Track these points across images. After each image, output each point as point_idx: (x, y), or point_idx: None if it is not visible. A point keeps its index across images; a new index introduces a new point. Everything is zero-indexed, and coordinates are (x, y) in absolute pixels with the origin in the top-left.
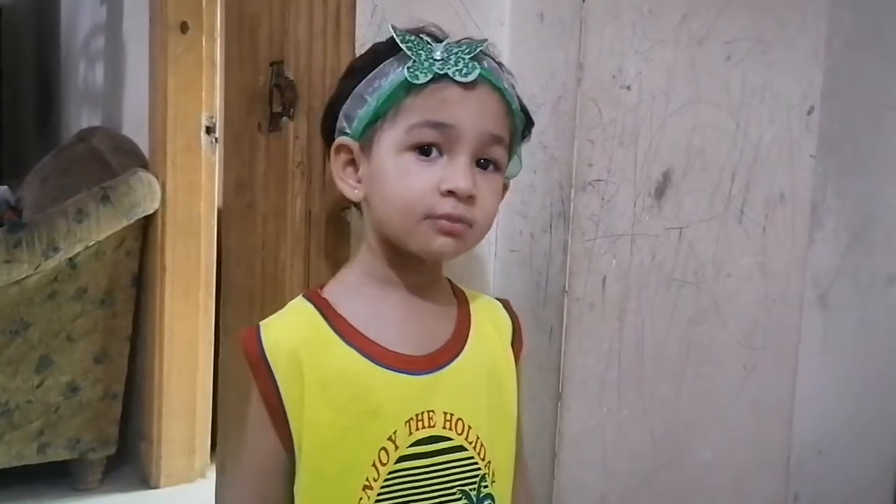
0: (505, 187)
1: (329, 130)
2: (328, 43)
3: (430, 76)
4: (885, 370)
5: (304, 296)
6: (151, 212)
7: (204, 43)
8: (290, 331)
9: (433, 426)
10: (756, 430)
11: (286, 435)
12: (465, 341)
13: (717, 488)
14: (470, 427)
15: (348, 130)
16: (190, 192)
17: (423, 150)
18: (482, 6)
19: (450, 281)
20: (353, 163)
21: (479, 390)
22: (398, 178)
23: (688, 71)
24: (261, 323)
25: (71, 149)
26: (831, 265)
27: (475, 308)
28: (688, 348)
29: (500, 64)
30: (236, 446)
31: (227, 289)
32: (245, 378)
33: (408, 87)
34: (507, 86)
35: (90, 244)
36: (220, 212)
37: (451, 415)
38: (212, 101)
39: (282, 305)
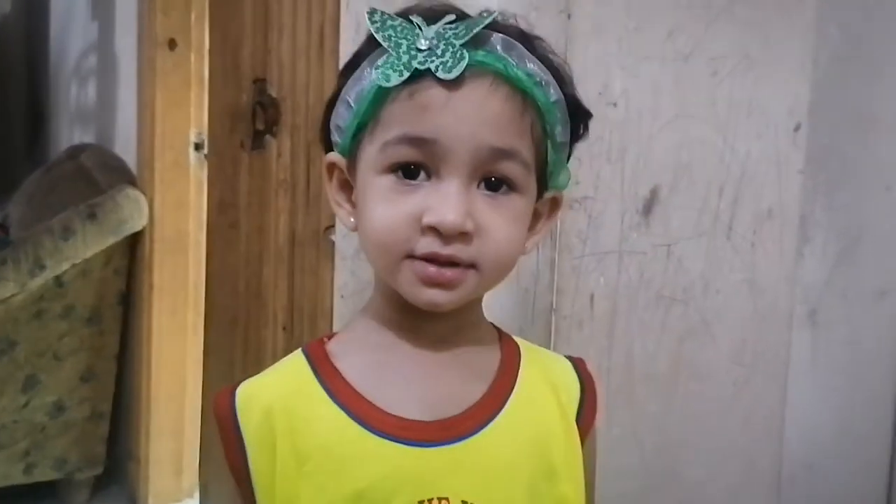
0: (555, 203)
1: (327, 143)
2: (311, 60)
3: (405, 75)
4: (875, 385)
5: (303, 347)
6: (139, 229)
7: (192, 60)
8: (269, 386)
9: None
10: (746, 446)
11: None
12: (502, 405)
13: None
14: None
15: (339, 141)
16: (178, 208)
17: (407, 170)
18: None
19: (497, 328)
20: (348, 184)
21: (518, 473)
22: (375, 207)
23: (674, 87)
24: (247, 380)
25: (59, 166)
26: (820, 281)
27: (528, 364)
28: (677, 366)
29: (528, 38)
30: (219, 468)
31: (210, 308)
32: None
33: (386, 91)
34: (527, 71)
35: (77, 262)
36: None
37: None
38: (200, 118)
39: (265, 326)
